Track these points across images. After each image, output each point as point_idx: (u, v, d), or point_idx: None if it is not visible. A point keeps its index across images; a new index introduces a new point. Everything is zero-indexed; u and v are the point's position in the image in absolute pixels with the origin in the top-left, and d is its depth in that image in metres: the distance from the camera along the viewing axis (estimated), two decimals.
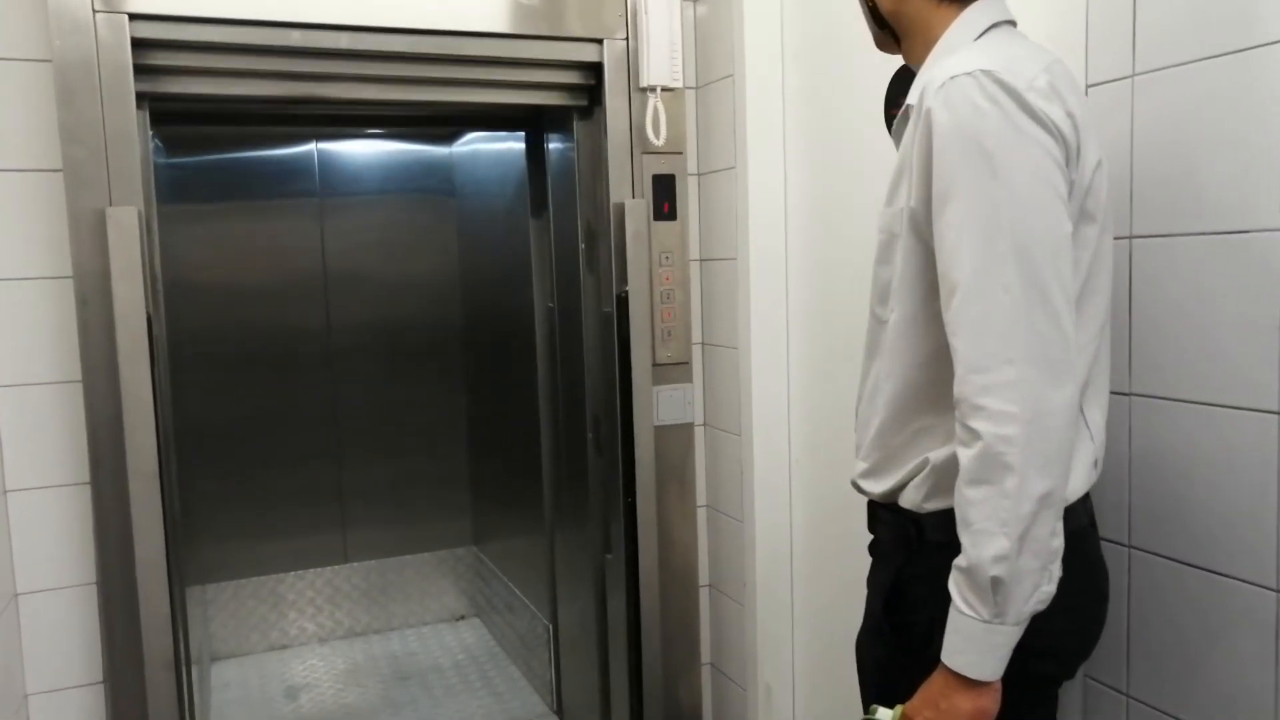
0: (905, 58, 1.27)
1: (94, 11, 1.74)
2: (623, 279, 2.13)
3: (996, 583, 1.00)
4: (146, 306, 1.77)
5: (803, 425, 2.21)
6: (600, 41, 2.10)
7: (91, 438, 1.80)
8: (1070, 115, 1.06)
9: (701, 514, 2.41)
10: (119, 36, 1.76)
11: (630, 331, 2.12)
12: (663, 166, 2.17)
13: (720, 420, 2.33)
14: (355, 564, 3.47)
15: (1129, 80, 1.31)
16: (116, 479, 1.79)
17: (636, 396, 2.14)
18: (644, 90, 2.12)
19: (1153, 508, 1.31)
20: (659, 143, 2.12)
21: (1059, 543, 1.02)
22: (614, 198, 2.13)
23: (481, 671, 3.15)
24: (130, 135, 1.77)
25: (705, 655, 2.46)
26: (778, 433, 2.23)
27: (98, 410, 1.79)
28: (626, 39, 2.12)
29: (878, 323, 1.21)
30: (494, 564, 3.38)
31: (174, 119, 2.46)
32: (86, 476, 1.85)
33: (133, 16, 1.77)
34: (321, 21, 1.89)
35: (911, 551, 1.17)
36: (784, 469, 2.25)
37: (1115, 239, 1.26)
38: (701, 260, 2.34)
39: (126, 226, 1.74)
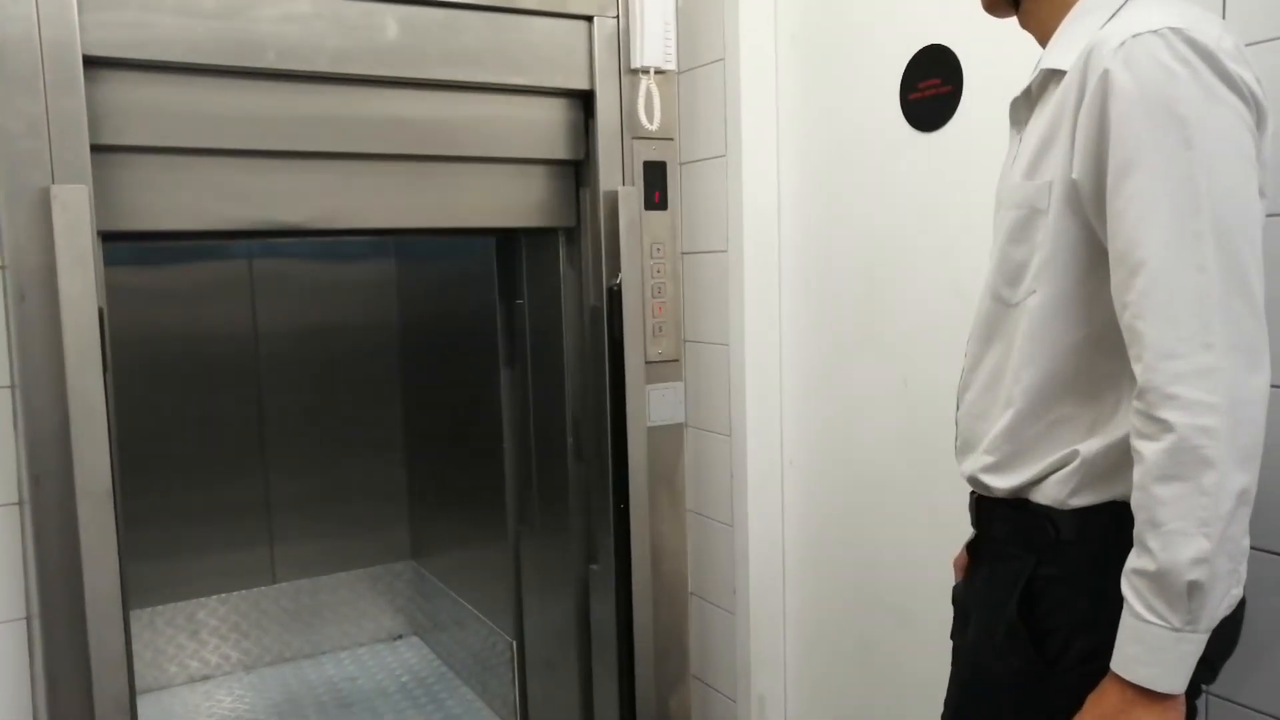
0: (1023, 22, 1.18)
1: None
2: (614, 271, 2.00)
3: (1194, 587, 0.92)
4: (99, 300, 1.55)
5: (796, 426, 2.13)
6: (590, 19, 1.97)
7: (30, 452, 1.56)
8: (1259, 80, 0.99)
9: (686, 519, 2.30)
10: None
11: (624, 327, 2.00)
12: (654, 153, 2.06)
13: (707, 421, 2.23)
14: (284, 584, 3.21)
15: None
16: (61, 499, 1.56)
17: (630, 396, 2.01)
18: (635, 72, 2.01)
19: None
20: (652, 127, 2.01)
21: (1248, 542, 0.96)
22: (605, 185, 2.00)
23: (431, 693, 2.96)
24: (77, 102, 1.54)
25: (691, 667, 2.35)
26: (770, 434, 2.14)
27: (38, 421, 1.55)
28: (617, 17, 1.99)
29: (1002, 306, 1.12)
30: (438, 579, 3.19)
31: None
32: (16, 496, 1.61)
33: None
34: None
35: (1045, 552, 1.09)
36: (776, 472, 2.16)
37: None
38: (686, 253, 2.24)
39: (74, 208, 1.51)
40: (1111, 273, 0.98)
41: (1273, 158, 1.10)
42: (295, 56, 1.72)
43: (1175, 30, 0.94)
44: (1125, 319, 0.97)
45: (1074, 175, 1.01)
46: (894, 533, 1.91)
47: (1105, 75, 0.96)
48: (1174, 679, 0.95)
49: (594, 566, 2.15)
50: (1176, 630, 0.93)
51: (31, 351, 1.54)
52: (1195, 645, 0.94)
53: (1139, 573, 0.96)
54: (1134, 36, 0.95)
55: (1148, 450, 0.94)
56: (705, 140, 2.15)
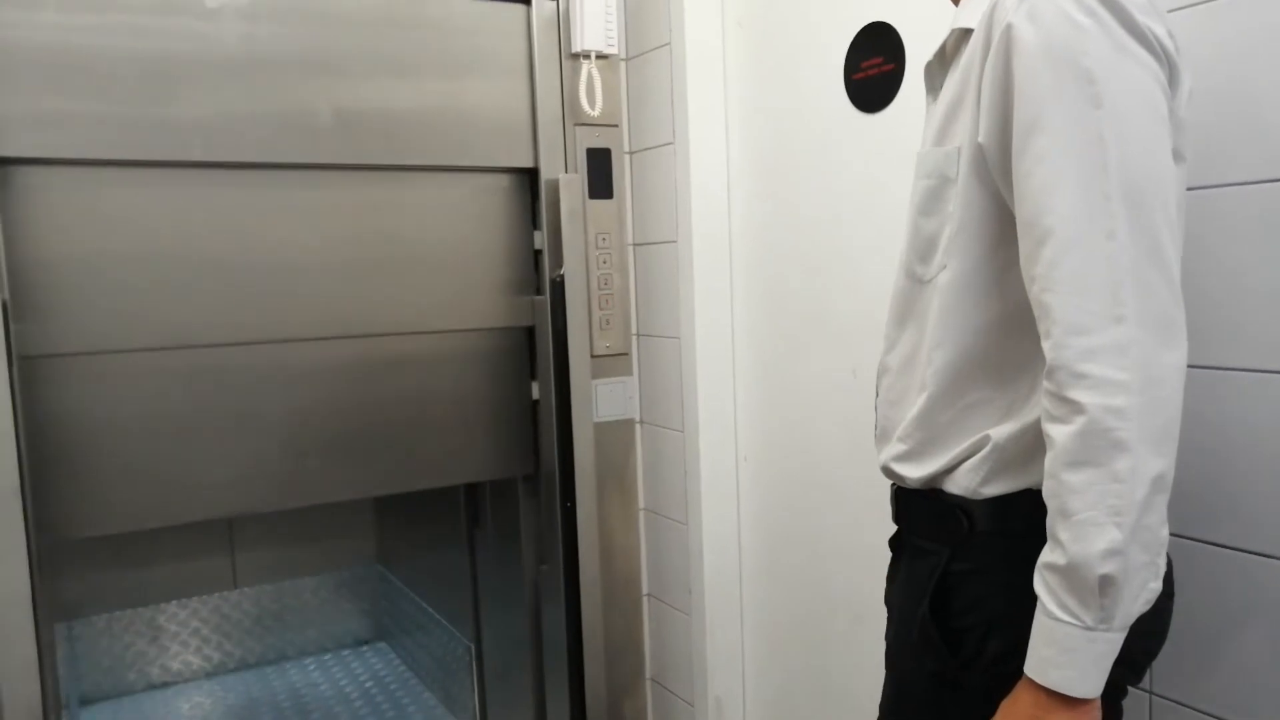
0: None
1: None
2: (557, 262, 1.94)
3: (1107, 581, 0.84)
4: (2, 292, 1.49)
5: (750, 420, 2.07)
6: (528, 2, 1.91)
7: None
8: (1171, 35, 0.92)
9: (641, 518, 2.24)
10: None
11: (566, 319, 1.93)
12: (598, 140, 1.99)
13: (660, 416, 2.17)
14: (246, 589, 3.15)
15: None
16: None
17: (575, 391, 1.95)
18: (576, 57, 1.95)
19: (1177, 487, 1.21)
20: (594, 114, 1.95)
21: (1166, 532, 0.88)
22: (546, 174, 1.94)
23: (393, 699, 2.89)
24: None
25: (647, 670, 2.29)
26: (724, 429, 2.08)
27: None
28: (556, 0, 1.93)
29: (916, 284, 1.05)
30: (403, 583, 3.12)
31: None
32: None
33: None
34: None
35: (959, 544, 1.02)
36: (731, 468, 2.10)
37: None
38: (635, 244, 2.18)
39: None
40: (1019, 243, 0.92)
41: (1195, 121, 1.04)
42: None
43: None
44: (1033, 292, 0.90)
45: (980, 139, 0.95)
46: (847, 529, 1.85)
47: (1008, 30, 0.90)
48: (1088, 682, 0.87)
49: (544, 567, 2.08)
50: (1090, 629, 0.86)
51: None
52: (1110, 645, 0.87)
53: (1050, 567, 0.89)
54: None
55: (1058, 434, 0.87)
56: (653, 127, 2.09)
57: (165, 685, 3.02)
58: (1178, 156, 0.94)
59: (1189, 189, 1.18)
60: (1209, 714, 1.21)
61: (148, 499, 1.72)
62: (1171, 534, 1.20)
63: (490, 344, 1.96)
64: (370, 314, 1.83)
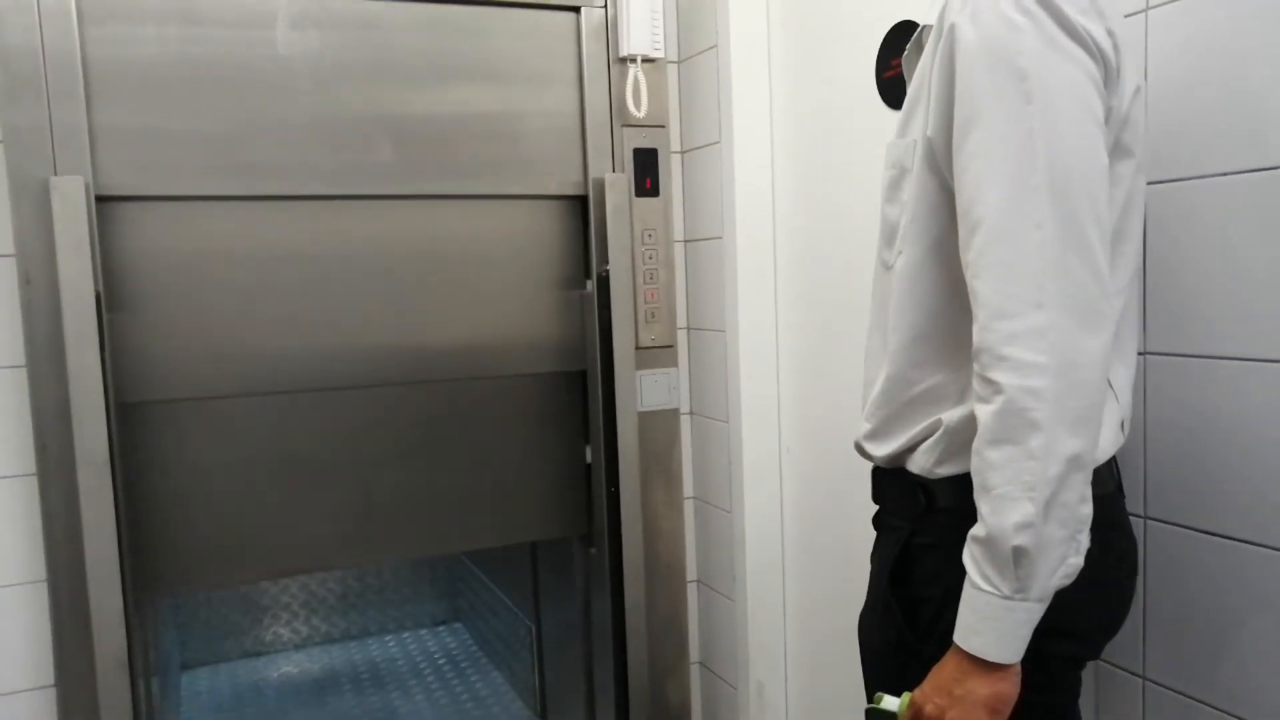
0: None
1: None
2: (603, 258, 2.03)
3: (1019, 553, 0.89)
4: (95, 284, 1.67)
5: (794, 410, 2.12)
6: (578, 10, 2.01)
7: (37, 426, 1.69)
8: (1111, 33, 0.95)
9: (689, 506, 2.31)
10: None
11: (611, 313, 2.02)
12: (644, 140, 2.07)
13: (708, 408, 2.24)
14: (334, 571, 3.35)
15: (1143, 14, 1.22)
16: (64, 470, 1.68)
17: (619, 380, 2.04)
18: (624, 61, 2.03)
19: (1170, 475, 1.22)
20: (639, 115, 2.03)
21: (1088, 510, 0.92)
22: (593, 173, 2.03)
23: (463, 676, 3.04)
24: (76, 98, 1.67)
25: (695, 654, 2.35)
26: (767, 419, 2.14)
27: (43, 397, 1.68)
28: (605, 6, 2.02)
29: (883, 269, 1.11)
30: (477, 566, 3.27)
31: None
32: (34, 468, 1.74)
33: None
34: None
35: (920, 520, 1.07)
36: (774, 457, 2.15)
37: None
38: (687, 241, 2.25)
39: (72, 197, 1.64)
40: (959, 231, 0.96)
41: (1145, 122, 1.06)
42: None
43: None
44: (968, 278, 0.94)
45: (929, 133, 0.99)
46: None
47: (952, 29, 0.95)
48: (1005, 649, 0.92)
49: (592, 550, 2.18)
50: (1007, 598, 0.91)
51: (36, 332, 1.67)
52: (1029, 614, 0.91)
53: (974, 539, 0.93)
54: None
55: (981, 413, 0.92)
56: (702, 127, 2.16)
57: (257, 654, 3.24)
58: (1124, 151, 0.97)
59: (1166, 181, 1.19)
60: (1203, 702, 1.21)
61: (225, 559, 1.90)
62: (1174, 523, 1.21)
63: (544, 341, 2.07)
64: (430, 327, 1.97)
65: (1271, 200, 1.09)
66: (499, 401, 2.04)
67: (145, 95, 1.74)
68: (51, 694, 1.79)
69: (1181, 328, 1.19)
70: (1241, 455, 1.15)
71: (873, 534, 1.21)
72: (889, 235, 1.09)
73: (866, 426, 1.12)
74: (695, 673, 2.35)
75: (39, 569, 1.78)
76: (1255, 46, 1.10)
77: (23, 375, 1.73)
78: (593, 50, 2.02)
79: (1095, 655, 1.10)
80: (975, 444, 0.93)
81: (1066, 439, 0.88)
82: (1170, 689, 1.24)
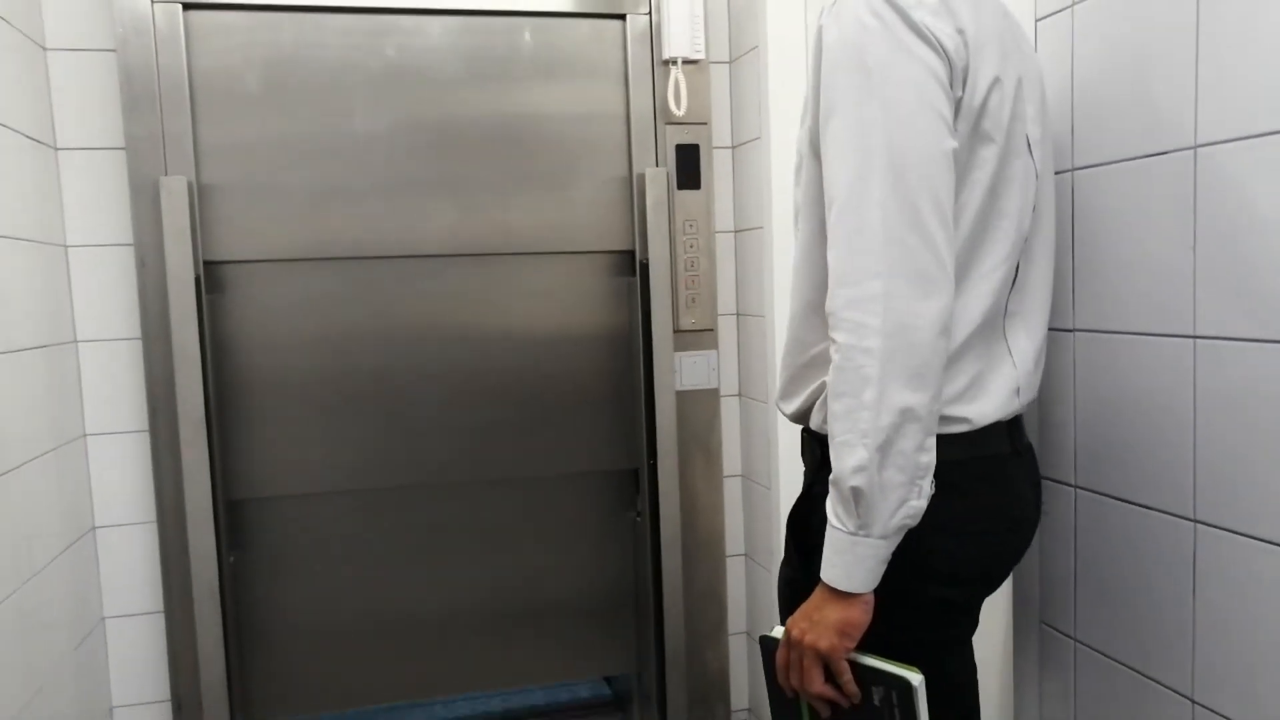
0: None
1: (151, 3, 1.94)
2: (644, 247, 2.19)
3: (857, 494, 1.01)
4: (196, 268, 1.96)
5: None
6: (623, 17, 2.17)
7: (149, 389, 2.00)
8: (961, 31, 1.05)
9: (736, 483, 2.44)
10: (173, 23, 1.95)
11: (651, 298, 2.18)
12: (686, 137, 2.21)
13: (752, 389, 2.35)
14: None
15: (1069, 10, 1.27)
16: (170, 426, 1.99)
17: (657, 361, 2.19)
18: (666, 63, 2.18)
19: (1094, 445, 1.27)
20: (679, 113, 2.17)
21: (928, 458, 1.02)
22: (636, 168, 2.19)
23: None
24: (183, 111, 1.96)
25: (743, 624, 2.48)
26: None
27: (154, 364, 1.99)
28: (649, 13, 2.18)
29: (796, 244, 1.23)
30: None
31: None
32: (146, 425, 2.05)
33: (186, 5, 1.97)
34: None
35: (817, 472, 1.17)
36: None
37: (1058, 172, 1.23)
38: (736, 231, 2.38)
39: (177, 194, 1.93)
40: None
41: (1043, 116, 1.12)
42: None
43: None
44: (827, 251, 1.05)
45: (808, 122, 1.10)
46: None
47: (820, 30, 1.06)
48: (853, 579, 1.03)
49: (637, 518, 2.33)
50: (852, 534, 1.02)
51: (149, 310, 1.98)
52: (870, 549, 1.02)
53: (830, 482, 1.04)
54: None
55: (830, 370, 1.03)
56: (747, 124, 2.28)
57: None
58: (984, 138, 1.06)
59: (1086, 166, 1.24)
60: (1120, 662, 1.25)
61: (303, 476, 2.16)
62: (1096, 491, 1.27)
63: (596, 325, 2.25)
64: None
65: (1162, 182, 1.13)
66: (558, 385, 2.24)
67: (239, 111, 2.02)
68: (160, 618, 2.11)
69: (1100, 304, 1.24)
70: (1147, 427, 1.19)
71: None
72: (795, 214, 1.20)
73: (777, 386, 1.24)
74: (742, 642, 2.47)
75: (151, 511, 2.10)
76: (1153, 47, 1.14)
77: (139, 346, 2.05)
78: (637, 53, 2.18)
79: (970, 601, 1.17)
80: (827, 397, 1.04)
81: (899, 392, 0.99)
82: (1095, 650, 1.29)
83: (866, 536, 1.02)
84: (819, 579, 1.07)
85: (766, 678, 1.17)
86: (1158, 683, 1.19)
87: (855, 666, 1.08)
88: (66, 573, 1.93)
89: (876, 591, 1.05)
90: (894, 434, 0.99)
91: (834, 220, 1.04)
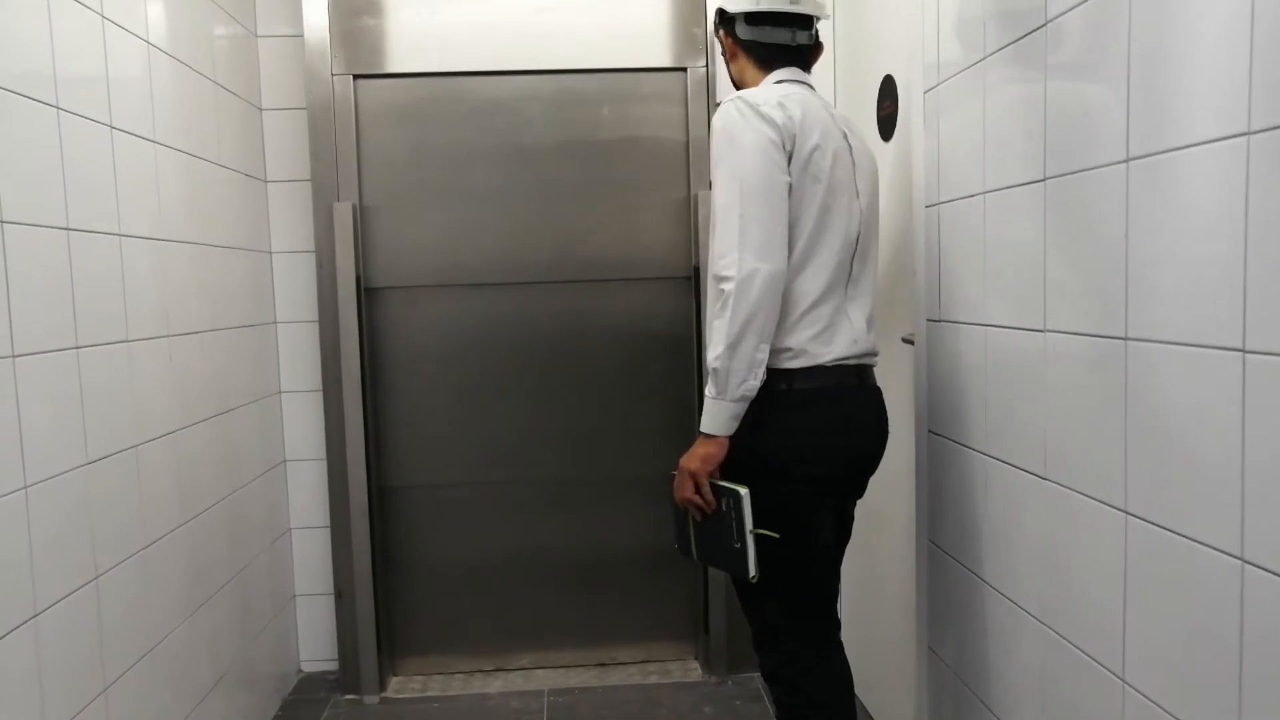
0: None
1: (332, 75, 2.64)
2: (695, 254, 2.71)
3: (715, 372, 1.62)
4: (357, 269, 2.65)
5: None
6: (684, 70, 2.71)
7: (323, 359, 2.71)
8: (791, 119, 1.62)
9: None
10: (346, 89, 2.65)
11: (701, 300, 2.70)
12: None
13: None
14: None
15: (936, 90, 1.72)
16: (336, 386, 2.69)
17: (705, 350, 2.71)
18: (718, 105, 2.69)
19: (970, 411, 1.71)
20: None
21: (762, 357, 1.60)
22: (693, 189, 2.72)
23: None
24: (351, 154, 2.66)
25: None
26: None
27: (327, 340, 2.70)
28: (705, 65, 2.70)
29: None
30: None
31: None
32: (320, 385, 2.77)
33: (356, 76, 2.66)
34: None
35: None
36: None
37: (927, 206, 1.70)
38: None
39: (344, 214, 2.63)
40: None
41: (853, 164, 1.60)
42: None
43: (740, 97, 1.64)
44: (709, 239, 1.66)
45: (710, 171, 1.67)
46: None
47: (716, 113, 1.67)
48: (714, 425, 1.63)
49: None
50: (715, 398, 1.62)
51: (324, 300, 2.69)
52: (722, 409, 1.62)
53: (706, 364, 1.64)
54: (728, 101, 1.65)
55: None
56: None
57: None
58: (812, 178, 1.63)
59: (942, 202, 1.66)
60: (986, 581, 1.68)
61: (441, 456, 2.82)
62: (995, 458, 1.71)
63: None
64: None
65: (974, 214, 1.59)
66: (633, 364, 2.81)
67: (390, 156, 2.71)
68: (326, 532, 2.82)
69: (952, 301, 1.69)
70: (987, 397, 1.63)
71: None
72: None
73: None
74: None
75: (323, 449, 2.82)
76: (980, 119, 1.59)
77: (316, 328, 2.76)
78: (695, 96, 2.71)
79: (825, 478, 1.66)
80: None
81: (744, 314, 1.57)
82: (947, 553, 1.73)
83: (722, 399, 1.62)
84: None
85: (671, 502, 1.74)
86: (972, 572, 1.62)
87: (713, 487, 1.65)
88: (264, 491, 2.67)
89: (765, 471, 1.63)
90: (739, 339, 1.58)
91: (714, 221, 1.65)
